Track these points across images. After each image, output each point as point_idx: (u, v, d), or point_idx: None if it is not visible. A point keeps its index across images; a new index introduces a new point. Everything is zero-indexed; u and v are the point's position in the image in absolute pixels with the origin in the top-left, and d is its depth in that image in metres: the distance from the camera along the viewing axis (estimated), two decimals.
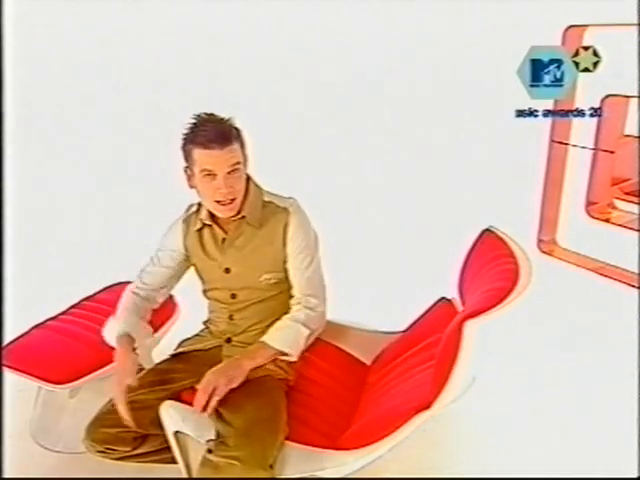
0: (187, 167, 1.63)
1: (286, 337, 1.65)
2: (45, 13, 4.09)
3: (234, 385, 1.53)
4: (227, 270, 1.69)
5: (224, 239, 1.69)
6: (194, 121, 1.59)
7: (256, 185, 1.72)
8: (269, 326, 1.68)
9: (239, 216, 1.66)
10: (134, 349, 1.64)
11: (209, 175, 1.56)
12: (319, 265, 1.74)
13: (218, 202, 1.60)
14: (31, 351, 1.94)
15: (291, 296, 1.73)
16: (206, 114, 1.60)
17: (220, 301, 1.75)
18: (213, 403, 1.49)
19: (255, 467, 1.45)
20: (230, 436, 1.48)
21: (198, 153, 1.56)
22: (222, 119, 1.59)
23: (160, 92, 4.48)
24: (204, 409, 1.49)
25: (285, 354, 1.64)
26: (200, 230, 1.72)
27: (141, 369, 1.90)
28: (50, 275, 3.15)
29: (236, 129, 1.61)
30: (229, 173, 1.57)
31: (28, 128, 3.92)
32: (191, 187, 1.65)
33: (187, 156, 1.60)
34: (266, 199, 1.71)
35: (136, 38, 4.41)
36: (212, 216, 1.69)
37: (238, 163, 1.59)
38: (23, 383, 1.84)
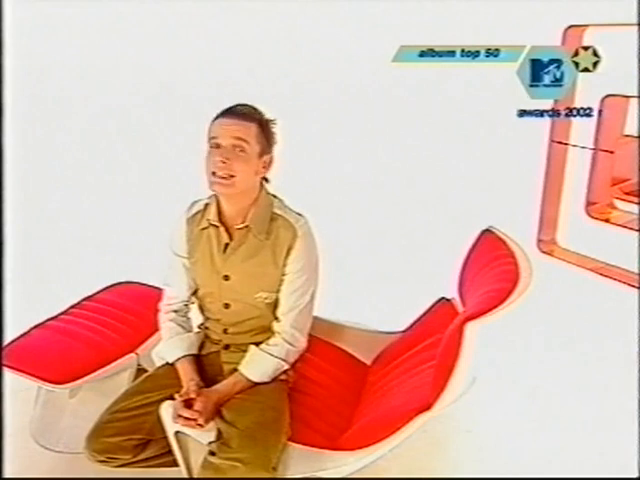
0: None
1: (264, 370, 1.62)
2: (46, 13, 4.09)
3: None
4: (226, 277, 1.63)
5: (227, 244, 1.63)
6: None
7: (267, 194, 1.65)
8: (266, 337, 1.66)
9: (243, 225, 1.61)
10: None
11: (215, 147, 1.54)
12: (313, 295, 1.67)
13: (214, 174, 1.53)
14: (31, 351, 1.93)
15: (276, 317, 1.67)
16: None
17: (213, 312, 1.70)
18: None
19: (258, 469, 1.45)
20: (233, 437, 1.47)
21: (212, 124, 1.57)
22: (252, 106, 1.59)
23: (160, 92, 4.49)
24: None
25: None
26: (204, 229, 1.65)
27: (141, 370, 1.90)
28: (50, 275, 3.15)
29: (263, 118, 1.59)
30: (232, 147, 1.53)
31: (29, 128, 3.92)
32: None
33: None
34: (276, 211, 1.64)
35: (136, 39, 4.41)
36: (219, 217, 1.63)
37: (243, 140, 1.53)
38: (23, 383, 1.84)
